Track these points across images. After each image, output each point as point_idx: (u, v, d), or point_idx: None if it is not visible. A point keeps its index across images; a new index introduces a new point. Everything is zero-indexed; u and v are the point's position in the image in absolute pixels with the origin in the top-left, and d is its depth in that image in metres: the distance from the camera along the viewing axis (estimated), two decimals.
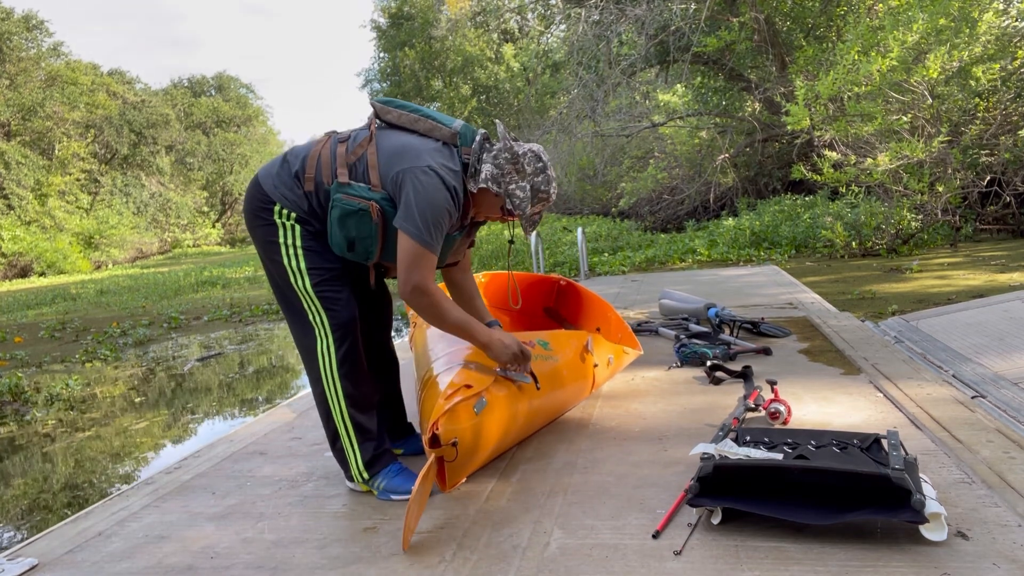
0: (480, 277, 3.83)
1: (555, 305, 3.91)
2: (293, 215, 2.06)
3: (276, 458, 2.62)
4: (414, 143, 2.05)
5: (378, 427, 2.17)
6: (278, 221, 2.07)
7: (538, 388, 2.30)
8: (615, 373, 3.06)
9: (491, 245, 14.30)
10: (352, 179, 2.03)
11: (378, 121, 2.15)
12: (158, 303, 12.58)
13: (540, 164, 2.10)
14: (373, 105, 2.15)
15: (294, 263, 2.07)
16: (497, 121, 2.17)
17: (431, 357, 2.38)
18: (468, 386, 2.06)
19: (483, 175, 2.05)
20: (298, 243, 2.07)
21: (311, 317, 2.09)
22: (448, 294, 2.24)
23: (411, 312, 2.84)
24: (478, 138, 2.10)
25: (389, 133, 2.11)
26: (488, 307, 3.81)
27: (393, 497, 2.12)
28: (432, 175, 1.96)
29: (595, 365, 2.73)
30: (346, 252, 2.06)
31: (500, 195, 2.08)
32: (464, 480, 2.18)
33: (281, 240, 2.07)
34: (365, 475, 2.14)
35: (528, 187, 2.09)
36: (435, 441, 1.97)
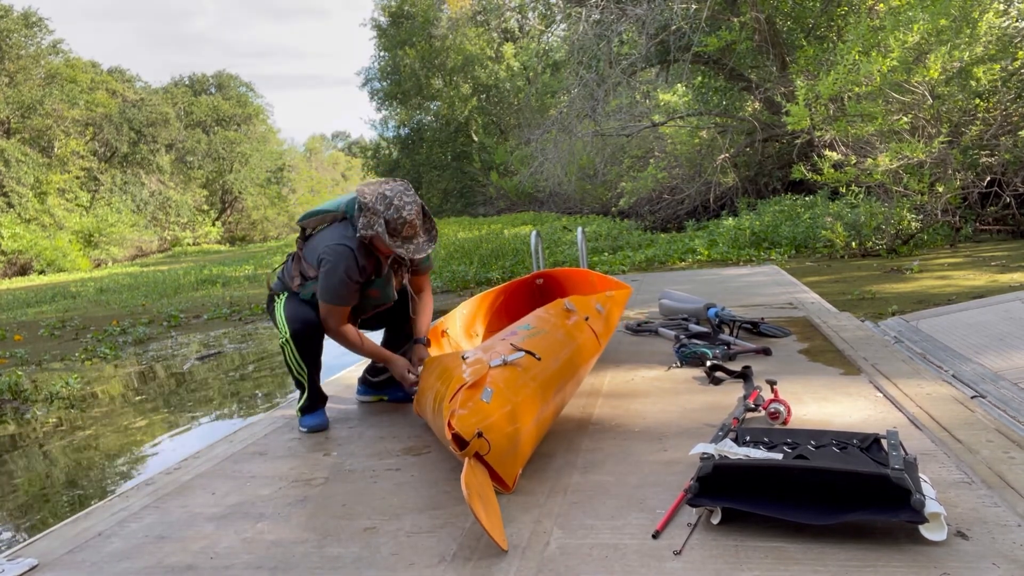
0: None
1: (543, 304, 3.94)
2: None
3: (276, 458, 2.63)
4: (317, 240, 2.81)
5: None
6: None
7: (538, 359, 2.34)
8: (616, 317, 3.13)
9: (491, 244, 14.30)
10: (302, 284, 2.83)
11: (302, 235, 2.95)
12: (158, 301, 12.58)
13: (387, 200, 2.63)
14: (299, 224, 2.96)
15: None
16: (359, 187, 2.75)
17: (433, 396, 2.39)
18: (464, 384, 2.09)
19: (359, 229, 2.67)
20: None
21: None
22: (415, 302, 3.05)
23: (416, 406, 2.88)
24: (357, 205, 2.72)
25: (309, 242, 2.86)
26: (494, 316, 3.88)
27: (301, 428, 2.92)
28: (328, 253, 2.69)
29: (586, 319, 2.82)
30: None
31: (374, 235, 2.64)
32: (520, 473, 2.16)
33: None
34: (299, 415, 2.96)
35: (382, 220, 2.62)
36: (459, 440, 1.97)
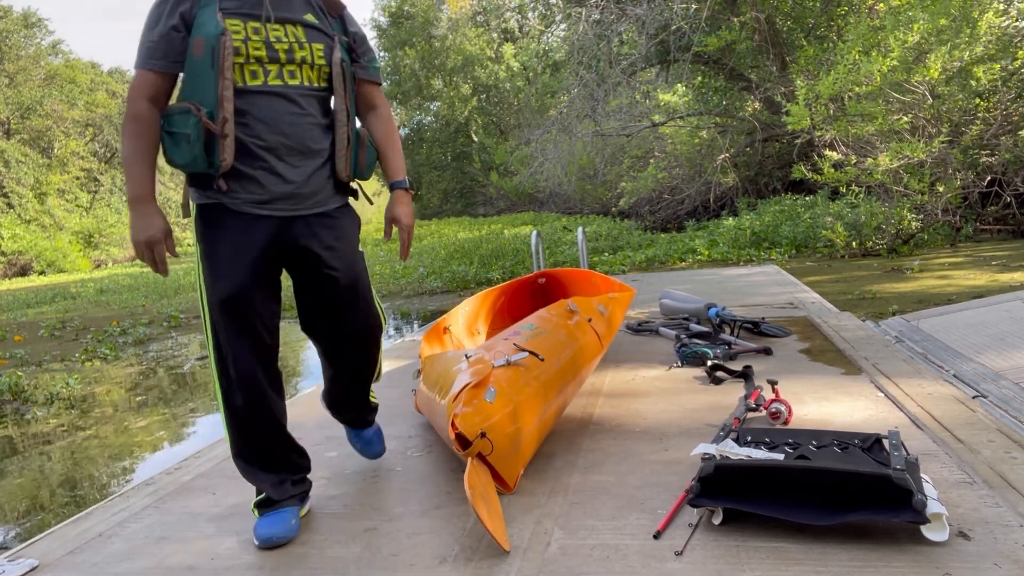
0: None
1: (545, 304, 3.94)
2: None
3: None
4: None
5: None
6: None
7: (541, 359, 2.34)
8: (619, 318, 3.15)
9: (491, 245, 14.30)
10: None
11: None
12: (158, 302, 12.57)
13: None
14: None
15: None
16: None
17: (435, 395, 2.39)
18: (467, 383, 2.08)
19: None
20: None
21: None
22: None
23: (416, 401, 2.84)
24: None
25: None
26: (504, 314, 3.87)
27: (255, 541, 1.93)
28: None
29: (588, 320, 2.83)
30: None
31: None
32: (522, 472, 2.16)
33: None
34: (254, 512, 2.03)
35: None
36: (462, 440, 1.97)
